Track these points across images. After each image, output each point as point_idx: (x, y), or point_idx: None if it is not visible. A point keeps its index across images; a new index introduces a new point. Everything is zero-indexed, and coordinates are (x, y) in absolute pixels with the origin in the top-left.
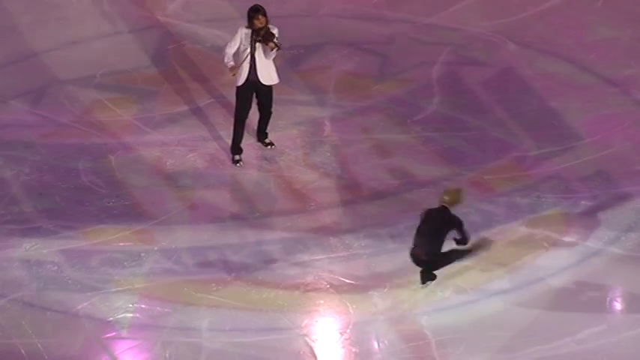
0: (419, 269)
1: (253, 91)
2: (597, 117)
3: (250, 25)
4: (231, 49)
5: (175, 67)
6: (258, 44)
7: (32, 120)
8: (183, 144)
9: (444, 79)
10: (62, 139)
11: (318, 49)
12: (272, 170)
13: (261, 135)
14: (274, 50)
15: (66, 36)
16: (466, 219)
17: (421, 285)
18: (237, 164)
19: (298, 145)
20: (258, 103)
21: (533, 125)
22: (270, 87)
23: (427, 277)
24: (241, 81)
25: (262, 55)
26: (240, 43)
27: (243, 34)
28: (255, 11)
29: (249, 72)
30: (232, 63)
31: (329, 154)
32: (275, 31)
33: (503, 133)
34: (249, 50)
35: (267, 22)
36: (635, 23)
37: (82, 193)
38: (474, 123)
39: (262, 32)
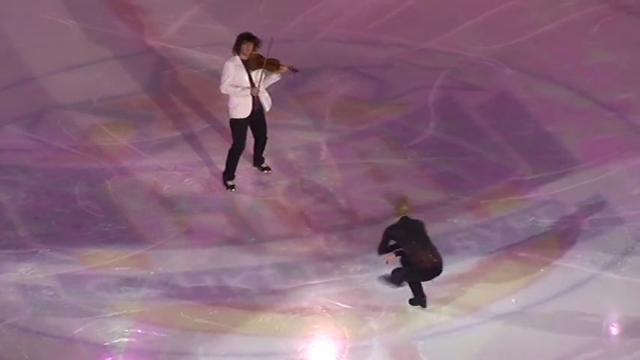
0: (414, 293)
1: (251, 121)
2: (593, 142)
3: (238, 50)
4: (228, 81)
5: (172, 91)
6: (256, 72)
7: (28, 144)
8: (180, 169)
9: (440, 103)
10: (58, 163)
11: (314, 74)
12: (268, 195)
13: (258, 160)
14: (281, 76)
15: (63, 61)
16: (462, 243)
17: (415, 306)
18: (232, 189)
19: (294, 170)
20: (253, 131)
21: (530, 150)
22: (264, 112)
23: (419, 302)
24: (247, 113)
25: (263, 82)
26: (234, 76)
27: (232, 66)
28: (249, 38)
29: (254, 103)
30: (244, 88)
31: (325, 179)
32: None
33: (500, 158)
34: (246, 81)
35: (255, 50)
36: (632, 48)
37: (79, 217)
38: (470, 147)
39: (264, 61)
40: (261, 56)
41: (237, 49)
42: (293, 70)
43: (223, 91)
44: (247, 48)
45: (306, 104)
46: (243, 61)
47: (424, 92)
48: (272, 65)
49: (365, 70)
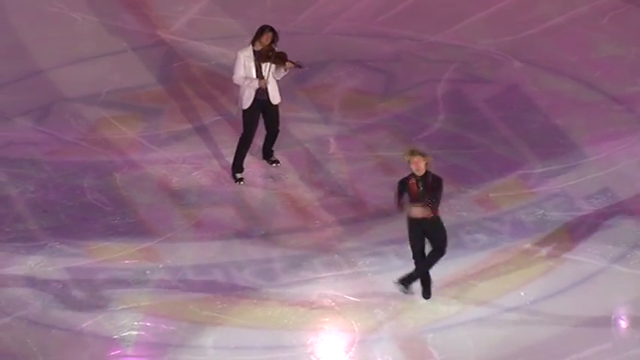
0: (423, 286)
1: (260, 111)
2: (602, 134)
3: (256, 40)
4: (239, 72)
5: (180, 84)
6: (265, 64)
7: (37, 137)
8: (189, 162)
9: (448, 96)
10: (67, 156)
11: (323, 67)
12: (277, 188)
13: (267, 153)
14: (287, 70)
15: (72, 53)
16: (471, 236)
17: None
18: (240, 182)
19: (303, 163)
20: (265, 123)
21: (538, 143)
22: (277, 105)
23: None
24: (249, 103)
25: (271, 74)
26: (244, 67)
27: (244, 57)
28: (271, 29)
29: (257, 93)
30: (253, 79)
31: (334, 172)
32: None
33: (508, 151)
34: (254, 72)
35: (272, 43)
36: None
37: (87, 210)
38: (479, 140)
39: (272, 54)
40: (272, 49)
41: (256, 39)
42: (298, 65)
43: (235, 82)
44: (267, 38)
45: (315, 97)
46: (254, 52)
47: (433, 85)
48: (278, 59)
49: (373, 64)
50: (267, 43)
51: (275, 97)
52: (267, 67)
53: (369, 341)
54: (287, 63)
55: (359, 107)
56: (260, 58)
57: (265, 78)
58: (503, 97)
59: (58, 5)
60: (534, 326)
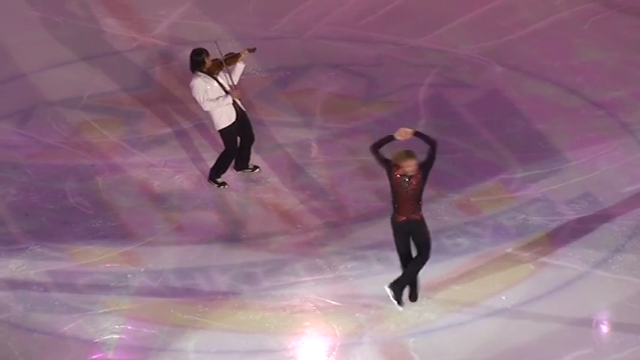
0: (410, 288)
1: (239, 123)
2: (583, 139)
3: (201, 66)
4: (207, 96)
5: (162, 88)
6: (224, 74)
7: (19, 141)
8: (170, 165)
9: (430, 101)
10: (49, 160)
11: (304, 71)
12: (258, 192)
13: (244, 162)
14: (245, 62)
15: (54, 57)
16: (452, 241)
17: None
18: (223, 186)
19: (285, 167)
20: (240, 133)
21: (520, 147)
22: (245, 111)
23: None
24: (233, 117)
25: (234, 85)
26: (208, 91)
27: (202, 82)
28: (201, 54)
29: (236, 108)
30: (224, 96)
31: (315, 176)
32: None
33: (490, 156)
34: (220, 88)
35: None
36: (622, 46)
37: (69, 214)
38: (461, 145)
39: (226, 59)
40: (216, 58)
41: (199, 65)
42: (251, 50)
43: (207, 109)
44: (208, 57)
45: (296, 101)
46: (206, 73)
47: (414, 90)
48: (232, 59)
49: (355, 68)
50: (210, 58)
51: (243, 104)
52: (227, 77)
53: (350, 345)
54: (241, 54)
55: (340, 111)
56: (214, 72)
57: (234, 87)
58: (485, 101)
59: (40, 9)
60: (515, 330)
